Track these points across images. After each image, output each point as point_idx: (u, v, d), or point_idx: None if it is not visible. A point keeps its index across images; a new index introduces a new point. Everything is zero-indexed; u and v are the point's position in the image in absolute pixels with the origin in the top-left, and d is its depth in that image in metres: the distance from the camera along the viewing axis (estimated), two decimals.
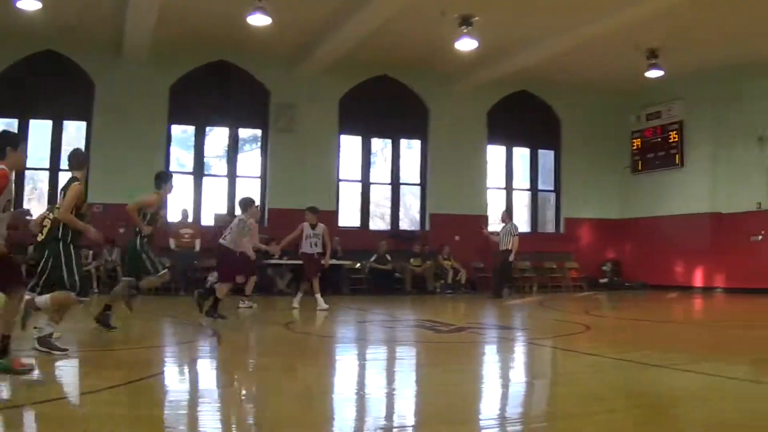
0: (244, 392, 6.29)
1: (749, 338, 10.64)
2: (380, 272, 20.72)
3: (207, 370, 7.55)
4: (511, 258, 18.44)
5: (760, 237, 20.56)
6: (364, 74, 21.65)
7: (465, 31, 17.00)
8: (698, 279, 21.91)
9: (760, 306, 16.98)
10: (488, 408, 5.85)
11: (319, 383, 6.65)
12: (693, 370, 7.07)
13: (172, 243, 18.37)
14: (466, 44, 17.45)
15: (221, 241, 12.12)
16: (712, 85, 21.99)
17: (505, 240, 18.67)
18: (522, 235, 19.14)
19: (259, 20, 15.76)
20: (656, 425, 5.06)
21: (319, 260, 14.54)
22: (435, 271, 21.16)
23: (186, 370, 7.35)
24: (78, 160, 7.84)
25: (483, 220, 22.81)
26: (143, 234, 9.35)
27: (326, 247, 14.71)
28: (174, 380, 6.77)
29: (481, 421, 5.26)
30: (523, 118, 24.02)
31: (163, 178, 9.89)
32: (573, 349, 8.52)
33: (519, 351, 9.48)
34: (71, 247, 7.48)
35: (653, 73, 20.05)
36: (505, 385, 6.77)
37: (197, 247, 18.69)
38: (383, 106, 22.25)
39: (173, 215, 19.11)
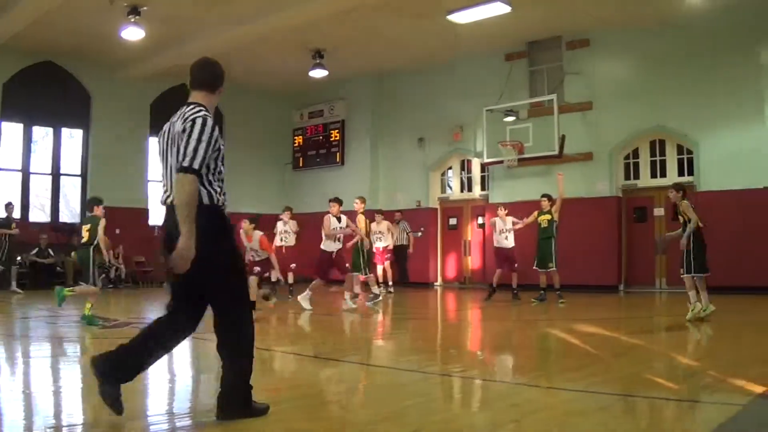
0: None
1: (410, 330, 11.63)
2: (41, 266, 20.08)
3: None
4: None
5: (419, 233, 22.27)
6: (29, 60, 20.72)
7: (133, 20, 16.92)
8: None
9: (423, 298, 18.51)
10: (156, 404, 5.85)
11: None
12: (363, 363, 7.67)
13: None
14: (133, 33, 17.37)
15: None
16: (373, 87, 23.53)
17: (401, 236, 20.34)
18: None
19: None
20: (324, 413, 5.37)
21: (330, 257, 14.02)
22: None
23: None
24: None
25: (144, 213, 22.83)
26: None
27: (354, 236, 14.94)
28: None
29: (149, 417, 5.18)
30: None
31: None
32: None
33: (185, 346, 9.41)
34: None
35: (317, 73, 21.08)
36: (172, 381, 6.89)
37: None
38: (47, 93, 21.35)
39: None
